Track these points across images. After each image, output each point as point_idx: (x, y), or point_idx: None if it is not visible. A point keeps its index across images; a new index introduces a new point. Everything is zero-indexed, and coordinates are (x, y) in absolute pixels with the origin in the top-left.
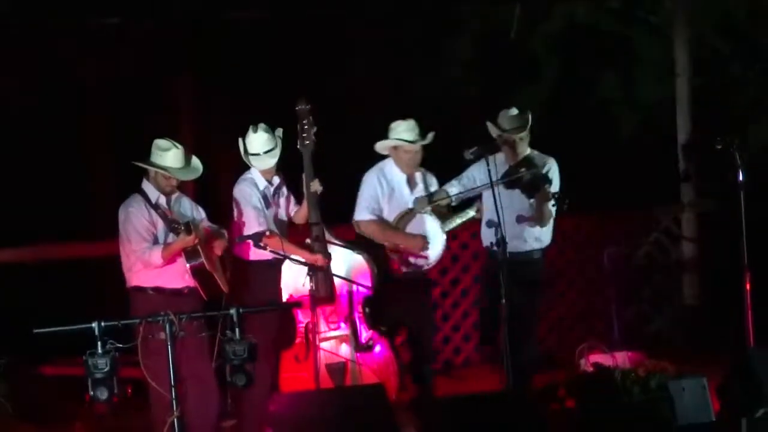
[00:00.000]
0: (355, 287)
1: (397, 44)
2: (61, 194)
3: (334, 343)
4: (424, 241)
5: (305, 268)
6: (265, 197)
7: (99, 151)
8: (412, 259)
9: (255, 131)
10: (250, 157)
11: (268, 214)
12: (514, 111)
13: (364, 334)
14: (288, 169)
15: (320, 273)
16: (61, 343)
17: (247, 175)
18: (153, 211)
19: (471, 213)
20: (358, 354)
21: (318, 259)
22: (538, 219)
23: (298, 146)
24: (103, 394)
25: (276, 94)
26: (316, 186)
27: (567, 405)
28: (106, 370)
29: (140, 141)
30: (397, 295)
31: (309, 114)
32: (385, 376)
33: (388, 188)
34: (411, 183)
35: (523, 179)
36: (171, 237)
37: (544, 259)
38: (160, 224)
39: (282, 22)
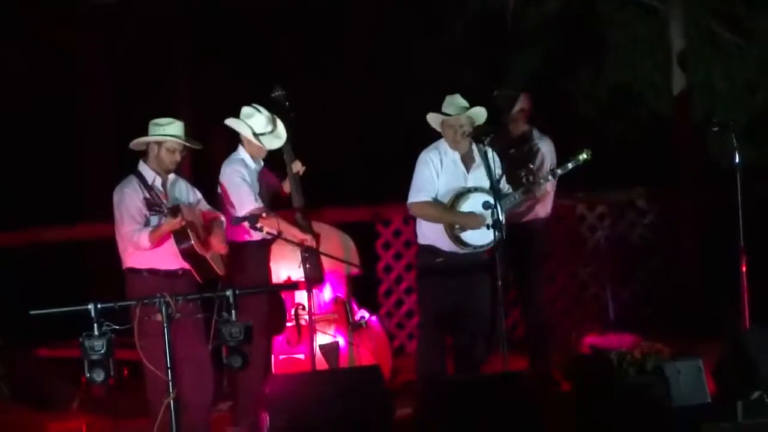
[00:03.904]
0: (347, 268)
1: (395, 27)
2: (58, 177)
3: (326, 324)
4: (480, 219)
5: (296, 249)
6: (255, 177)
7: (96, 134)
8: (467, 240)
9: (259, 111)
10: (261, 137)
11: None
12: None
13: (356, 313)
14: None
15: (310, 254)
16: (56, 326)
17: (236, 155)
18: (147, 193)
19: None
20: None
21: (307, 238)
22: None
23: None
24: (99, 376)
25: (273, 77)
26: (298, 167)
27: (562, 387)
28: (102, 351)
29: (137, 126)
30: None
31: (285, 99)
32: (379, 358)
33: (442, 167)
34: (467, 161)
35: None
36: (165, 219)
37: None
38: None
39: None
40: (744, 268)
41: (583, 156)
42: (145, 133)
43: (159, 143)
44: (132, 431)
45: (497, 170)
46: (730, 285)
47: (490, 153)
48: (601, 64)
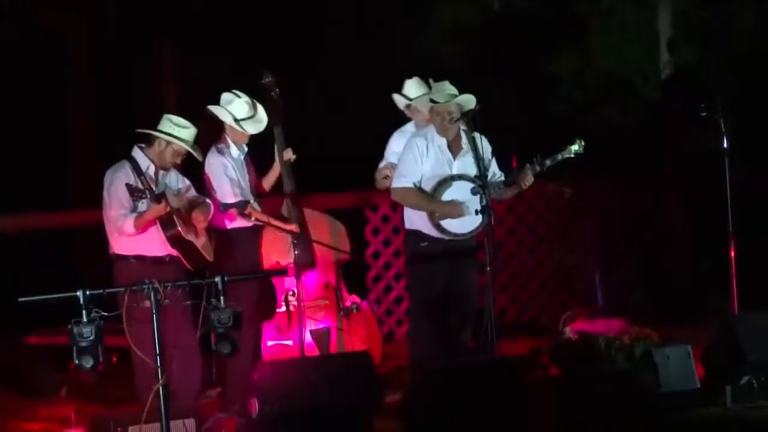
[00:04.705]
0: (337, 255)
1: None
2: (46, 164)
3: (317, 309)
4: (460, 208)
5: (287, 236)
6: (239, 166)
7: (83, 120)
8: (448, 227)
9: (239, 96)
10: (243, 123)
11: (243, 185)
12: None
13: (347, 299)
14: (258, 140)
15: (301, 239)
16: (45, 313)
17: (219, 144)
18: (137, 179)
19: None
20: (343, 319)
21: (293, 226)
22: None
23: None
24: (88, 363)
25: (255, 62)
26: (289, 154)
27: (550, 372)
28: (91, 338)
29: (124, 112)
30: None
31: (275, 85)
32: (370, 343)
33: (428, 153)
34: (453, 147)
35: None
36: (150, 205)
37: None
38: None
39: None
40: (732, 253)
41: (575, 147)
42: (138, 121)
43: (169, 142)
44: (121, 417)
45: (487, 157)
46: (719, 269)
47: (480, 140)
48: (590, 50)
